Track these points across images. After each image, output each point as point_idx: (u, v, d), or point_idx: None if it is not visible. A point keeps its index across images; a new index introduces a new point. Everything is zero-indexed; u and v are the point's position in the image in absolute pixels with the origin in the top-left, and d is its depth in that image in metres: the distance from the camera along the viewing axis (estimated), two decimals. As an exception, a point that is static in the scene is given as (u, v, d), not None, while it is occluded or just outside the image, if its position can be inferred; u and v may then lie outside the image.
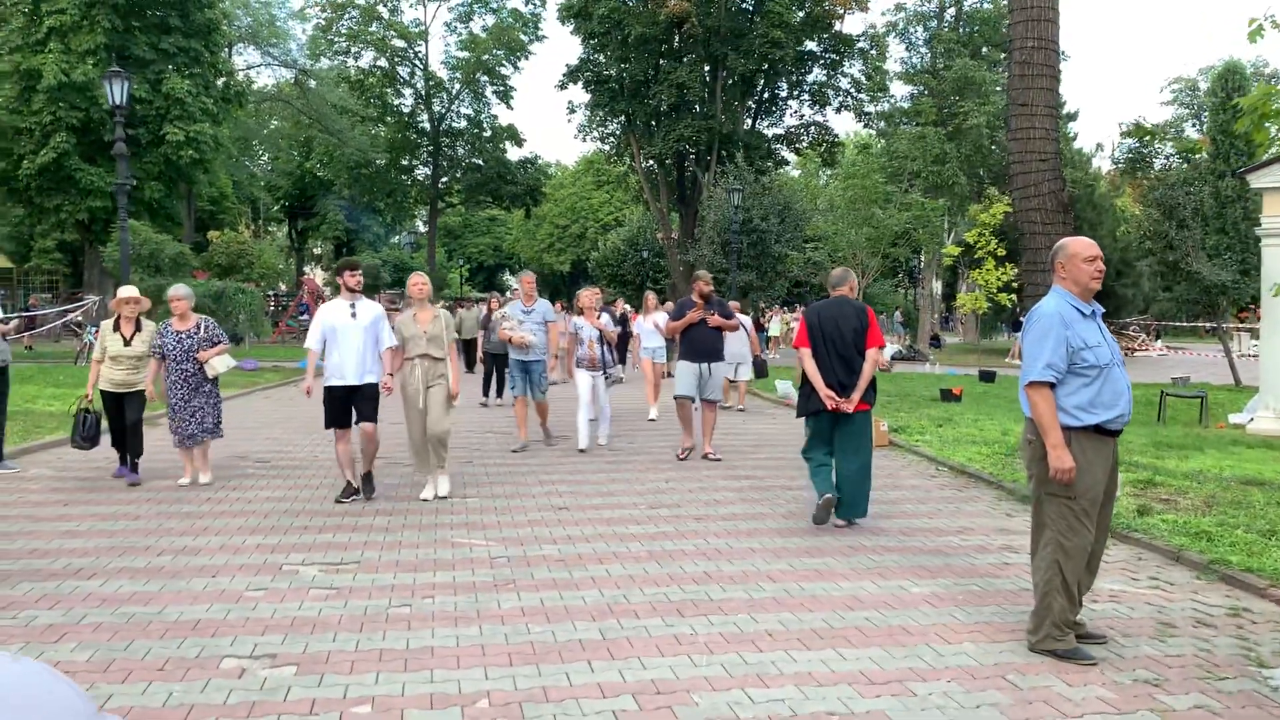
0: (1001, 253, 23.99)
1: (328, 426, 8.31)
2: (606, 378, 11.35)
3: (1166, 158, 59.63)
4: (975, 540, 7.10)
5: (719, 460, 10.39)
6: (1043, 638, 4.66)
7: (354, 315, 8.19)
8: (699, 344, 10.32)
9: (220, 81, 32.01)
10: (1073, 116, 42.33)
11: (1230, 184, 33.33)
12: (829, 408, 7.20)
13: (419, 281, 8.53)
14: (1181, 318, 24.63)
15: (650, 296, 16.45)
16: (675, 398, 10.57)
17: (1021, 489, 8.74)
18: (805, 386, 7.46)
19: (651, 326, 14.91)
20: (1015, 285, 24.15)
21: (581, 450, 11.05)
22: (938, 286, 40.49)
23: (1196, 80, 57.33)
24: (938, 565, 6.38)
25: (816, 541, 6.97)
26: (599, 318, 11.64)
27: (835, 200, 25.31)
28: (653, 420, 13.69)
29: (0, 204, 32.28)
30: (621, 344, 19.47)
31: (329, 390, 8.23)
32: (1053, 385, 4.56)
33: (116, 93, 13.79)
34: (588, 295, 11.68)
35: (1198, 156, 37.59)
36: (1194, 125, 55.70)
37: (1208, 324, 46.28)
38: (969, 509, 8.26)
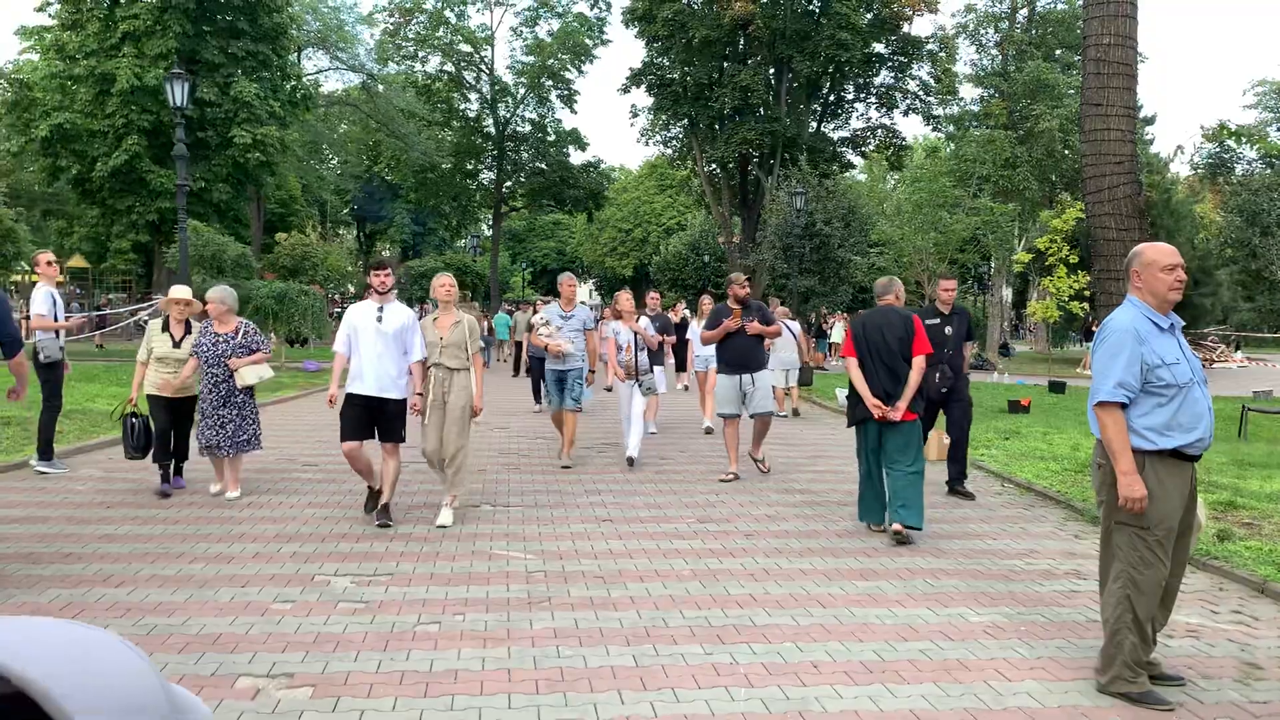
0: (1074, 260, 23.24)
1: (344, 440, 7.38)
2: (640, 385, 10.70)
3: (1249, 163, 57.71)
4: (1041, 564, 6.68)
5: (768, 471, 9.90)
6: (1113, 679, 4.28)
7: (379, 319, 7.42)
8: (737, 354, 9.44)
9: (288, 85, 32.42)
10: (1150, 120, 41.10)
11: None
12: (875, 417, 7.24)
13: (445, 283, 7.68)
14: (1264, 328, 23.66)
15: (705, 301, 15.10)
16: (718, 416, 9.73)
17: (1091, 509, 8.28)
18: (853, 395, 7.52)
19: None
20: (1087, 293, 23.40)
21: (630, 460, 10.48)
22: (1008, 294, 39.56)
23: (1281, 82, 55.34)
24: (1000, 592, 5.99)
25: (872, 563, 6.61)
26: (638, 321, 11.14)
27: (901, 204, 24.68)
28: (709, 431, 12.96)
29: (76, 205, 33.07)
30: (679, 351, 18.94)
31: (348, 397, 7.42)
32: (1124, 406, 4.18)
33: (178, 94, 13.91)
34: (625, 298, 11.15)
35: (1283, 161, 36.14)
36: (1278, 129, 53.75)
37: (1292, 335, 44.61)
38: (1035, 529, 7.82)
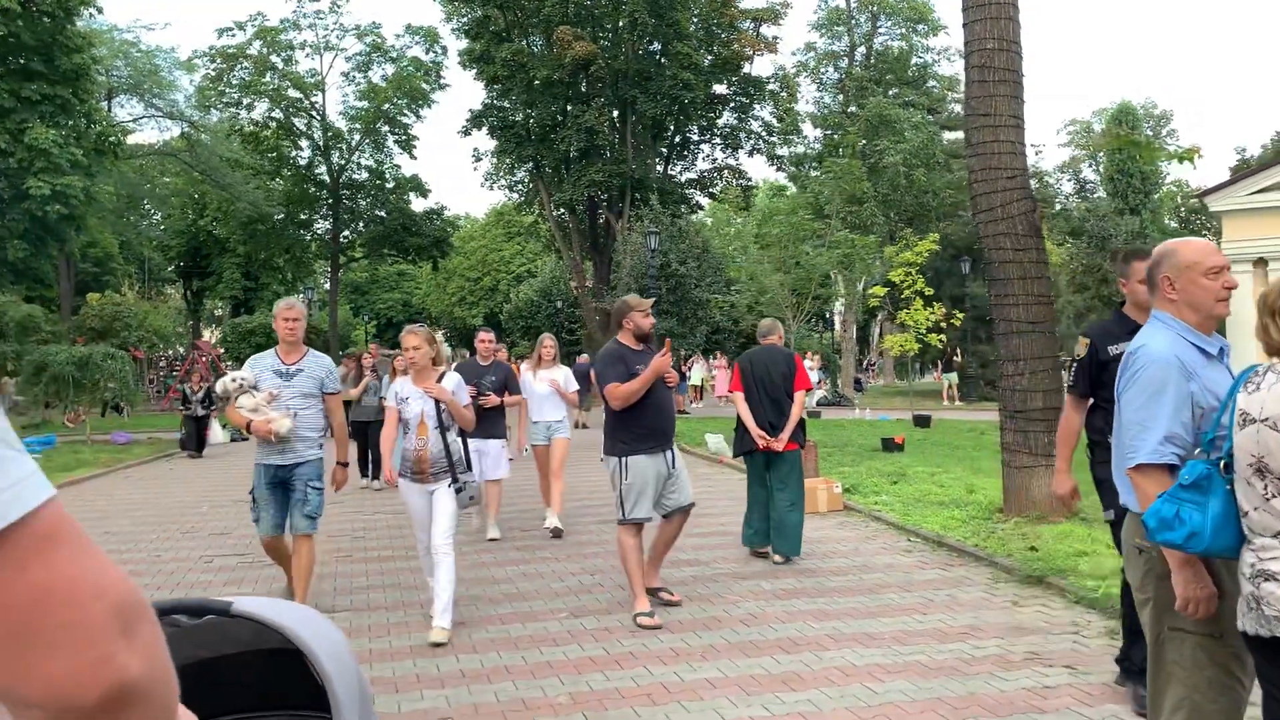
0: (929, 292, 23.04)
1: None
2: (458, 490, 6.11)
3: (1066, 197, 60.43)
4: (990, 648, 5.55)
5: (679, 603, 6.59)
6: None
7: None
8: (661, 417, 6.36)
9: (93, 131, 29.58)
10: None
11: (1135, 220, 33.09)
12: (760, 447, 7.78)
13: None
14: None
15: (547, 343, 10.04)
16: (625, 522, 6.27)
17: (1018, 563, 7.28)
18: (740, 427, 8.09)
19: (548, 388, 9.54)
20: (943, 324, 23.19)
21: (435, 643, 5.83)
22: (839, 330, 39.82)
23: (1091, 122, 58.46)
24: (958, 695, 4.80)
25: (794, 663, 5.34)
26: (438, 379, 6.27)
27: (755, 241, 24.06)
28: (557, 533, 9.20)
29: None
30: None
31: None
32: (1174, 468, 3.00)
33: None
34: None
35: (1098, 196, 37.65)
36: (1090, 165, 56.63)
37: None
38: (964, 596, 6.73)
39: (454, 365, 8.96)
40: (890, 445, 15.88)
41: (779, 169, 39.29)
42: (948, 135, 38.32)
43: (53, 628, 0.72)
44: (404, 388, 6.26)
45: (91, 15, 29.39)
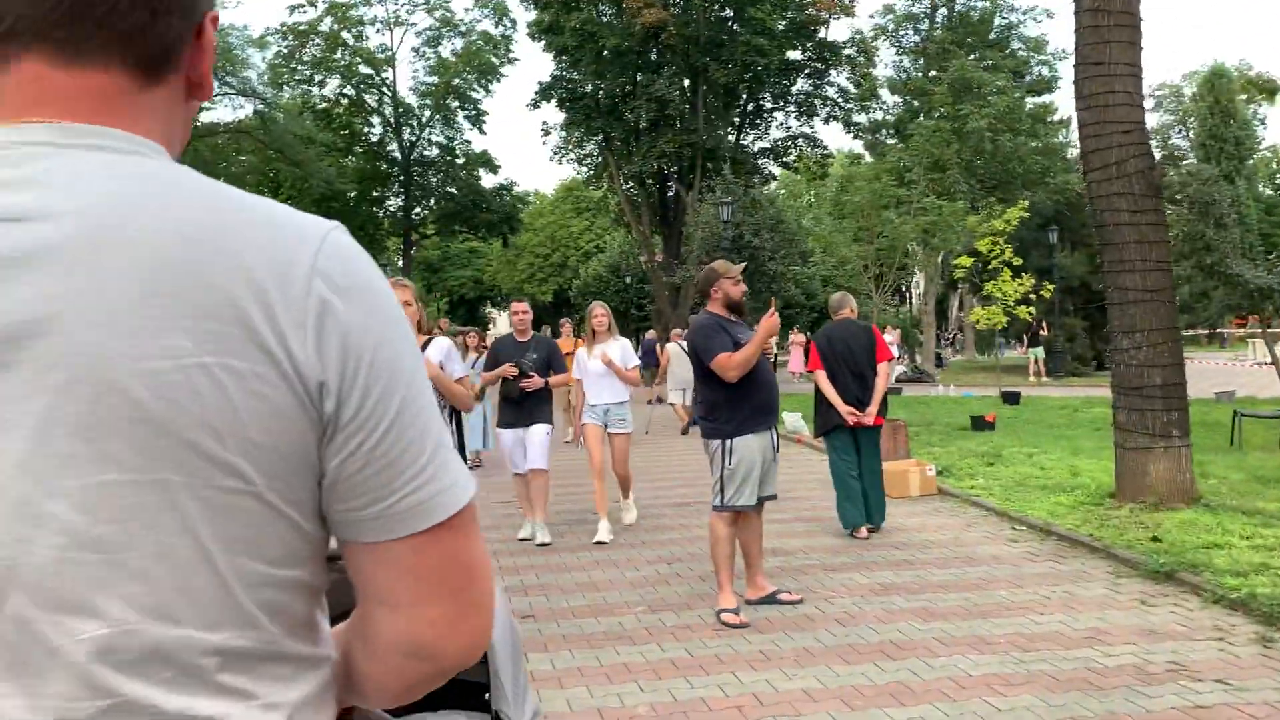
0: (1018, 262, 21.99)
1: None
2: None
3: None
4: (1123, 656, 4.90)
5: (800, 601, 5.96)
6: None
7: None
8: (770, 390, 5.76)
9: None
10: (1064, 124, 40.59)
11: (1231, 189, 31.34)
12: (849, 423, 7.62)
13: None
14: (1224, 323, 22.64)
15: (597, 311, 8.54)
16: (723, 509, 5.65)
17: (1141, 556, 6.57)
18: (822, 405, 7.90)
19: (601, 366, 8.18)
20: (1033, 296, 22.15)
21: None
22: (918, 303, 38.60)
23: (1181, 86, 55.94)
24: (1098, 717, 4.17)
25: (901, 672, 4.75)
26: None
27: (834, 210, 23.08)
28: (602, 545, 7.81)
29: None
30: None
31: None
32: None
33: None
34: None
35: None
36: (1179, 132, 54.24)
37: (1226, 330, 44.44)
38: (1084, 594, 6.06)
39: (492, 343, 8.54)
40: (981, 424, 15.08)
41: (855, 136, 38.15)
42: (1031, 100, 36.81)
43: (476, 594, 0.90)
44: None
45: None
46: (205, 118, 42.48)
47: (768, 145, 37.39)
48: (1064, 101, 68.19)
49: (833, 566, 6.91)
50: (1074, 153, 40.47)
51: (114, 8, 0.79)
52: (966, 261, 21.80)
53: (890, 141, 36.87)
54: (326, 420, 0.81)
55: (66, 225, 0.75)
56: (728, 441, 5.57)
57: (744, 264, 6.70)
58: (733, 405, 5.59)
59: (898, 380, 27.30)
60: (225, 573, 0.79)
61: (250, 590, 0.80)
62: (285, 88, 45.81)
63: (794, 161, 36.83)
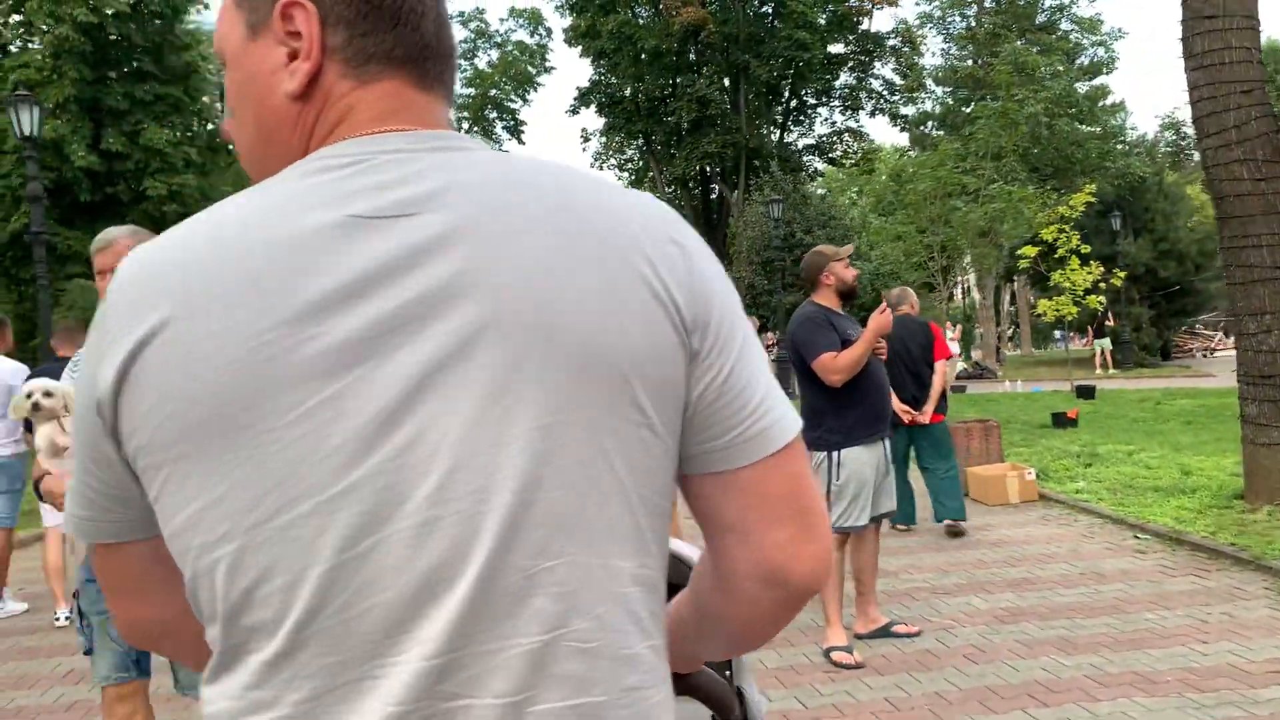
0: (1086, 250, 20.96)
1: None
2: None
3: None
4: (1329, 696, 4.09)
5: (918, 633, 5.22)
6: None
7: None
8: (881, 395, 4.99)
9: (205, 129, 29.64)
10: (1119, 107, 39.29)
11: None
12: (905, 422, 7.28)
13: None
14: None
15: None
16: (841, 531, 4.89)
17: (1303, 571, 5.73)
18: None
19: None
20: (1102, 285, 21.12)
21: None
22: (978, 296, 37.40)
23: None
24: (1329, 780, 3.38)
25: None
26: None
27: (894, 201, 22.06)
28: None
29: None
30: None
31: None
32: None
33: (25, 123, 11.29)
34: None
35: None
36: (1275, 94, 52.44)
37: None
38: (1247, 616, 5.24)
39: None
40: (1063, 420, 14.16)
41: (902, 129, 37.16)
42: (1084, 84, 35.60)
43: (815, 517, 0.94)
44: None
45: (199, 11, 29.34)
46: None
47: (812, 141, 36.56)
48: (1119, 84, 66.54)
49: (943, 589, 6.14)
50: (1134, 134, 39.21)
51: (445, 50, 0.97)
52: (1031, 251, 20.82)
53: (938, 133, 35.84)
54: (691, 356, 0.88)
55: (456, 212, 0.84)
56: (835, 453, 4.82)
57: (851, 245, 5.74)
58: (839, 412, 4.84)
59: (959, 378, 26.32)
60: (635, 503, 0.87)
61: (648, 519, 0.88)
62: (323, 105, 45.73)
63: (840, 157, 35.93)
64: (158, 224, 27.49)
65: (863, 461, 4.84)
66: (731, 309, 0.92)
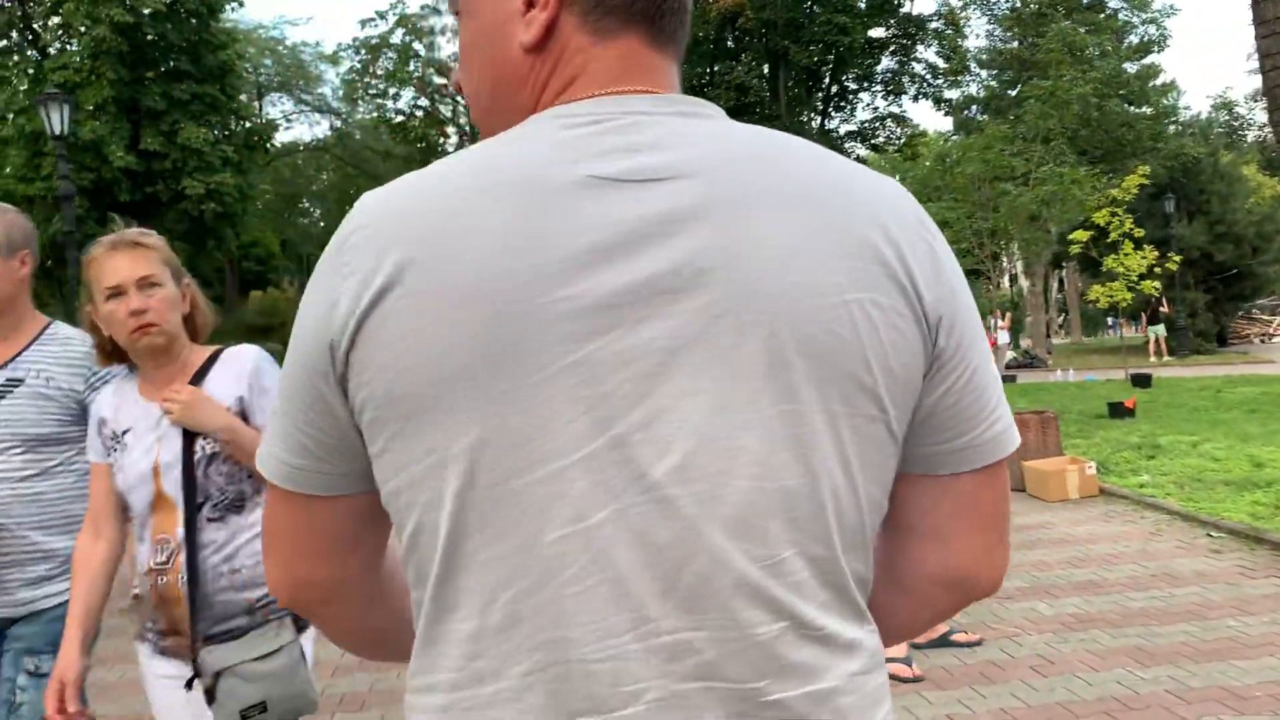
0: (1139, 233, 20.25)
1: None
2: None
3: (1261, 128, 54.57)
4: None
5: (979, 642, 4.76)
6: None
7: None
8: None
9: (242, 128, 29.71)
10: (1171, 87, 38.21)
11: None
12: None
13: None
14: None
15: None
16: None
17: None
18: None
19: None
20: (1157, 270, 20.40)
21: None
22: (1026, 283, 36.56)
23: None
24: None
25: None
26: None
27: (947, 184, 21.36)
28: None
29: (20, 280, 30.20)
30: None
31: None
32: None
33: (56, 122, 11.18)
34: None
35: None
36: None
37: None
38: (1343, 623, 4.79)
39: None
40: (1120, 410, 13.59)
41: (946, 113, 36.36)
42: (1133, 64, 34.62)
43: (1007, 527, 0.96)
44: None
45: (233, 8, 29.38)
46: (283, 137, 42.68)
47: (854, 128, 35.93)
48: (1170, 63, 65.10)
49: (1004, 592, 5.72)
50: (1188, 114, 38.12)
51: (681, 6, 0.92)
52: (1083, 235, 20.14)
53: (982, 118, 35.04)
54: (935, 354, 0.86)
55: (705, 182, 0.81)
56: None
57: None
58: None
59: (1009, 368, 25.65)
60: (862, 499, 0.85)
61: (870, 516, 0.87)
62: (360, 103, 45.79)
63: (883, 143, 35.30)
64: (196, 222, 27.63)
65: None
66: (972, 307, 0.89)
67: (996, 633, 4.98)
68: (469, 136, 46.60)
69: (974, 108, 37.51)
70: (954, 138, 34.28)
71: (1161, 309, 26.17)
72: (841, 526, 0.84)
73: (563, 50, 0.89)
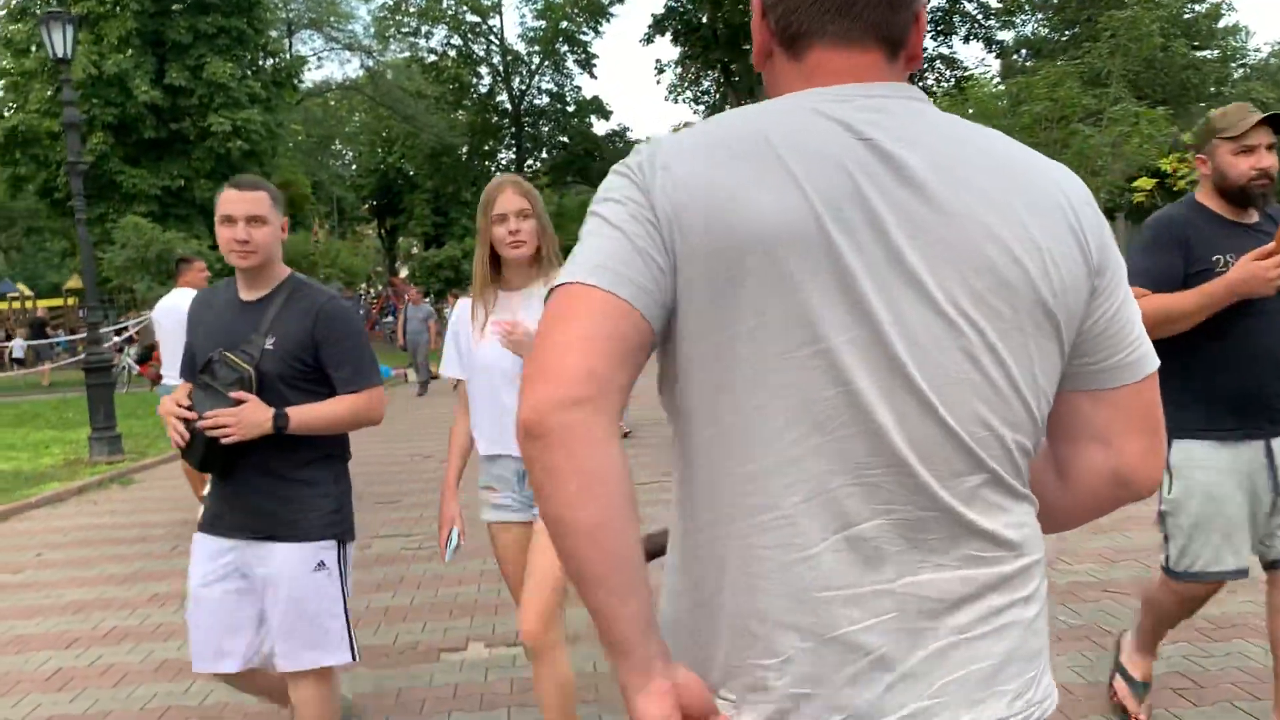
0: (1210, 181, 19.05)
1: None
2: None
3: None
4: None
5: None
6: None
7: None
8: (1258, 372, 2.88)
9: (269, 64, 28.93)
10: (1237, 28, 36.43)
11: None
12: None
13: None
14: None
15: None
16: (1174, 577, 3.06)
17: None
18: None
19: None
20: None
21: None
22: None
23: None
24: None
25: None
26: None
27: (1013, 123, 20.17)
28: None
29: (46, 218, 29.89)
30: None
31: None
32: None
33: (58, 43, 10.43)
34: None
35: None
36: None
37: None
38: None
39: None
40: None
41: (998, 55, 34.93)
42: (1195, 6, 32.96)
43: (1163, 435, 1.21)
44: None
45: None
46: (315, 76, 41.89)
47: (901, 69, 34.59)
48: (1240, 3, 62.41)
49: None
50: (1256, 57, 36.37)
51: (886, 20, 1.15)
52: (1148, 183, 19.02)
53: (1032, 63, 33.57)
54: (1094, 289, 1.13)
55: (934, 151, 1.08)
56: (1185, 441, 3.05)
57: (1257, 115, 2.91)
58: (1179, 382, 2.87)
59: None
60: (1041, 395, 1.13)
61: (1040, 409, 1.13)
62: (392, 41, 44.85)
63: (932, 85, 33.96)
64: (222, 160, 26.98)
65: (1211, 468, 2.95)
66: (1120, 260, 1.17)
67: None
68: (501, 76, 45.61)
69: (1023, 52, 36.04)
70: (999, 81, 32.90)
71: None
72: (1024, 416, 1.11)
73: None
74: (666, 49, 40.50)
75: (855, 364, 1.03)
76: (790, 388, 1.04)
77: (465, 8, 43.90)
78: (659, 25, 34.20)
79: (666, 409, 1.15)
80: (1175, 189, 19.37)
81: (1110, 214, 34.23)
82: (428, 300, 23.88)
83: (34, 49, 25.57)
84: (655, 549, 1.24)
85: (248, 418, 2.65)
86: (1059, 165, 1.16)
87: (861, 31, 1.12)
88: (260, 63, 28.61)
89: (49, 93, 25.58)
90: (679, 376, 1.10)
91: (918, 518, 1.06)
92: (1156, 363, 1.17)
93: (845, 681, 1.05)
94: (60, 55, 10.71)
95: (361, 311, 38.08)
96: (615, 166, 1.10)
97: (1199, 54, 30.26)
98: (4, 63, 25.97)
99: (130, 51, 25.29)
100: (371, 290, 49.97)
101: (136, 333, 21.47)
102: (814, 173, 1.03)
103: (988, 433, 1.07)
